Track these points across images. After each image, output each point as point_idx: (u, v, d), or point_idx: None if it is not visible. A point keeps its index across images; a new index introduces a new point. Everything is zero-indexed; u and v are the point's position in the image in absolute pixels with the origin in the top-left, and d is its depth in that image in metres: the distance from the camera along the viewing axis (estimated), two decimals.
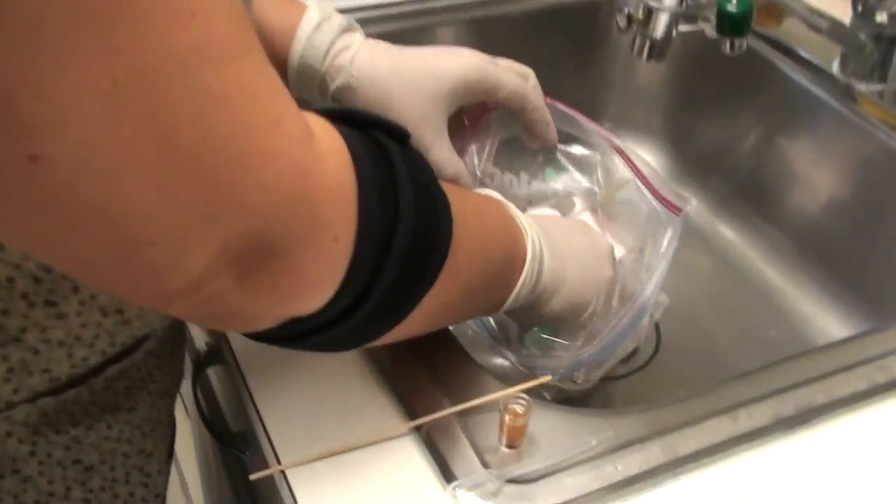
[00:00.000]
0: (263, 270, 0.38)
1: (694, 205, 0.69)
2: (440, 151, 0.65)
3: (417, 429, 0.59)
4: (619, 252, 0.79)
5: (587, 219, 0.79)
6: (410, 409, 0.60)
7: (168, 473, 0.69)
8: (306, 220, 0.39)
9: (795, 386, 0.62)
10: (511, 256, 0.59)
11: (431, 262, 0.48)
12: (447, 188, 0.50)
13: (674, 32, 0.79)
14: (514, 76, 0.66)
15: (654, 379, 0.87)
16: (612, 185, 0.78)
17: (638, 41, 0.82)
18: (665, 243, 0.72)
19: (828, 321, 0.92)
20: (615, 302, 0.72)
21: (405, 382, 0.62)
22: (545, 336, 0.70)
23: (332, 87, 0.65)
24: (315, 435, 0.58)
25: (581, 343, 0.68)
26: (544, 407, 0.61)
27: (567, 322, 0.67)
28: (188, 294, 0.37)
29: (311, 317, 0.44)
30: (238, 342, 0.65)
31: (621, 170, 0.76)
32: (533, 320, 0.68)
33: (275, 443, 0.58)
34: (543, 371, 0.67)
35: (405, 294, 0.48)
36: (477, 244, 0.55)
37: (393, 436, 0.59)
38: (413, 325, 0.51)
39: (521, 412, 0.57)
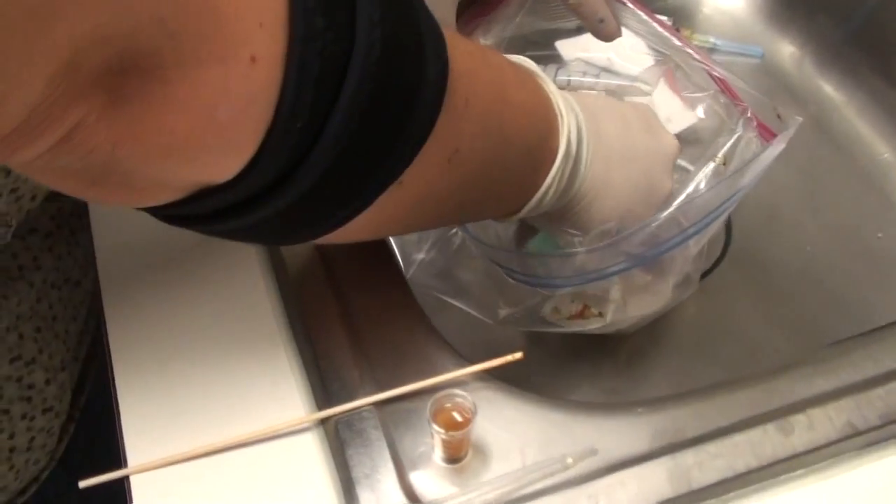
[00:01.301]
0: (140, 99, 0.26)
1: (796, 125, 0.49)
2: None
3: (323, 422, 0.42)
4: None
5: (662, 99, 0.58)
6: (326, 395, 0.43)
7: (69, 390, 0.59)
8: (203, 22, 0.26)
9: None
10: (537, 146, 0.43)
11: (409, 123, 0.32)
12: (451, 36, 0.35)
13: None
14: None
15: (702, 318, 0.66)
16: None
17: None
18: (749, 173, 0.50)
19: None
20: None
21: (327, 362, 0.44)
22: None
23: None
24: (184, 433, 0.42)
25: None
26: (504, 393, 0.42)
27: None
28: (31, 135, 0.25)
29: (225, 188, 0.30)
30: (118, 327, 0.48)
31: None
32: (565, 225, 0.50)
33: (127, 443, 0.42)
34: (549, 284, 0.49)
35: (365, 167, 0.32)
36: (489, 117, 0.39)
37: (284, 431, 0.42)
38: (382, 217, 0.36)
39: (458, 420, 0.39)
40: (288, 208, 0.31)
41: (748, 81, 0.79)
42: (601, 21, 0.54)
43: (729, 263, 0.68)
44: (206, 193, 0.31)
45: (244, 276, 0.48)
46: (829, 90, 0.77)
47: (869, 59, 0.75)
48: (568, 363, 0.62)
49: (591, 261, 0.49)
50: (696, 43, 0.80)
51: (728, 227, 0.71)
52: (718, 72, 0.53)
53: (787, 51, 0.80)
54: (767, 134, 0.52)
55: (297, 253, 0.50)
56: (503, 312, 0.55)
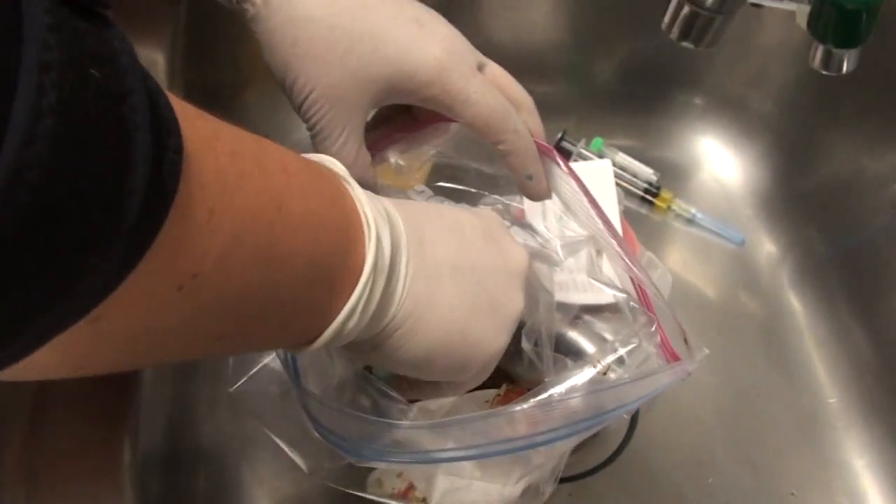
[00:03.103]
0: None
1: (701, 358, 0.42)
2: (341, 146, 0.45)
3: None
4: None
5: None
6: None
7: None
8: None
9: None
10: (329, 264, 0.35)
11: (99, 244, 0.23)
12: (209, 133, 0.28)
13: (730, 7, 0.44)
14: (492, 98, 0.44)
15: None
16: None
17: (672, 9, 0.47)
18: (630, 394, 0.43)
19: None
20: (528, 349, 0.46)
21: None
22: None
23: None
24: None
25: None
26: None
27: (438, 375, 0.42)
28: None
29: None
30: None
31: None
32: (376, 362, 0.43)
33: None
34: (357, 453, 0.41)
35: (25, 299, 0.22)
36: (250, 234, 0.31)
37: None
38: (76, 354, 0.28)
39: None
40: None
41: (714, 267, 0.71)
42: (529, 178, 0.46)
43: (615, 468, 0.60)
44: None
45: None
46: (797, 307, 0.68)
47: (848, 291, 0.66)
48: None
49: (414, 438, 0.41)
50: (674, 209, 0.72)
51: (632, 422, 0.63)
52: (638, 275, 0.45)
53: (767, 249, 0.72)
54: (670, 356, 0.44)
55: None
56: (322, 463, 0.47)
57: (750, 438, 0.62)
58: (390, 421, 0.42)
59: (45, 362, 0.27)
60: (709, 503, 0.59)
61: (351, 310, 0.36)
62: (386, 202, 0.39)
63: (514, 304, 0.42)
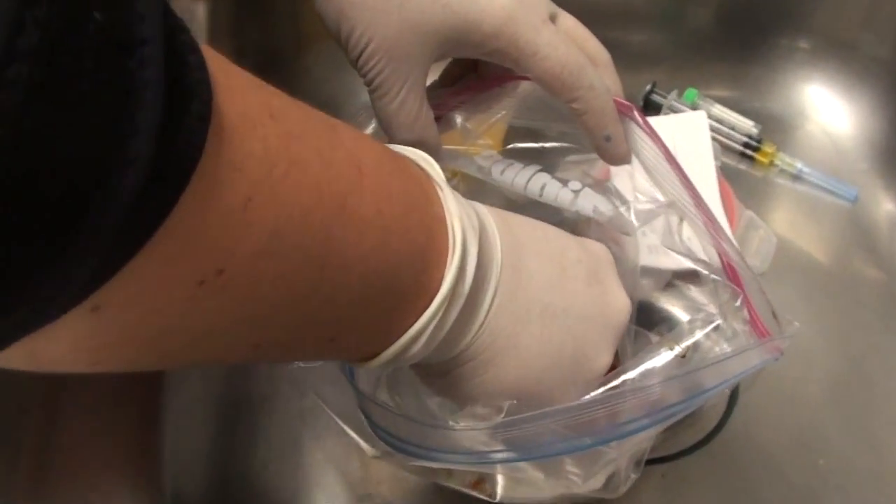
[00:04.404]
0: None
1: (792, 334, 0.36)
2: (401, 103, 0.40)
3: None
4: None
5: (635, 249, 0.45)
6: None
7: None
8: None
9: None
10: (399, 281, 0.31)
11: (93, 218, 0.19)
12: (261, 102, 0.25)
13: None
14: (565, 51, 0.40)
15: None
16: None
17: None
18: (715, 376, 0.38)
19: None
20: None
21: None
22: None
23: None
24: None
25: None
26: None
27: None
28: None
29: None
30: None
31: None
32: (438, 389, 0.40)
33: None
34: (416, 454, 0.38)
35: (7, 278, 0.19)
36: (299, 232, 0.26)
37: None
38: (78, 349, 0.24)
39: None
40: None
41: (824, 227, 0.64)
42: (608, 139, 0.42)
43: (712, 448, 0.54)
44: None
45: None
46: None
47: None
48: None
49: (469, 439, 0.37)
50: (777, 164, 0.66)
51: (732, 398, 0.57)
52: (722, 245, 0.40)
53: (885, 206, 0.64)
54: (760, 333, 0.39)
55: None
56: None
57: (866, 415, 0.56)
58: (439, 423, 0.38)
59: (53, 354, 0.24)
60: (819, 488, 0.53)
61: (417, 333, 0.32)
62: (483, 210, 0.36)
63: (601, 361, 0.39)
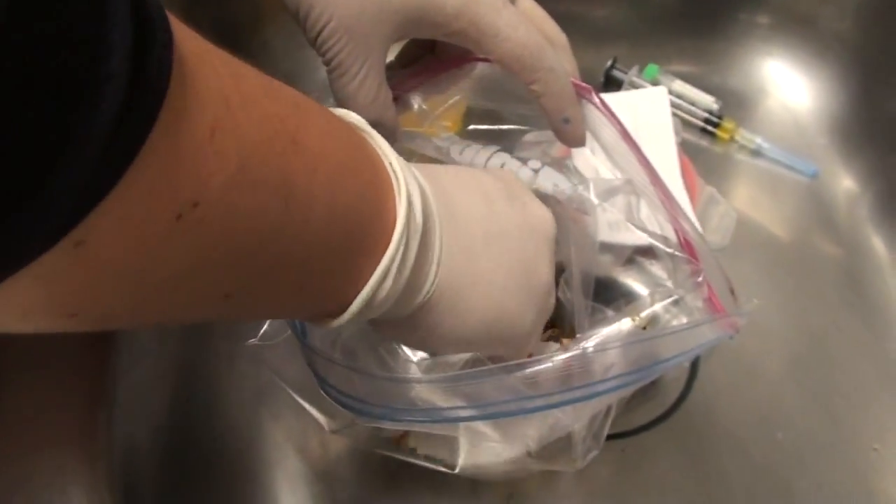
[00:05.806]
0: None
1: (750, 310, 0.37)
2: (360, 83, 0.40)
3: None
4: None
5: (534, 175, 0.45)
6: None
7: None
8: None
9: None
10: (357, 217, 0.32)
11: (71, 145, 0.19)
12: (206, 48, 0.25)
13: None
14: (525, 32, 0.40)
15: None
16: None
17: None
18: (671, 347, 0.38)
19: None
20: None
21: None
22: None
23: None
24: None
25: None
26: None
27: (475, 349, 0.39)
28: None
29: None
30: None
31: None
32: (414, 343, 0.40)
33: None
34: (370, 413, 0.38)
35: None
36: (261, 162, 0.27)
37: None
38: (61, 293, 0.24)
39: None
40: None
41: (784, 202, 0.65)
42: (566, 121, 0.42)
43: (673, 423, 0.55)
44: None
45: None
46: (878, 246, 0.62)
47: None
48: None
49: (425, 396, 0.37)
50: (738, 140, 0.66)
51: (692, 373, 0.58)
52: (680, 223, 0.40)
53: (844, 182, 0.65)
54: (716, 309, 0.39)
55: None
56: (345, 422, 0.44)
57: (824, 389, 0.56)
58: (398, 376, 0.38)
59: (29, 301, 0.23)
60: (778, 460, 0.53)
61: (383, 273, 0.32)
62: (409, 164, 0.36)
63: (545, 272, 0.39)
